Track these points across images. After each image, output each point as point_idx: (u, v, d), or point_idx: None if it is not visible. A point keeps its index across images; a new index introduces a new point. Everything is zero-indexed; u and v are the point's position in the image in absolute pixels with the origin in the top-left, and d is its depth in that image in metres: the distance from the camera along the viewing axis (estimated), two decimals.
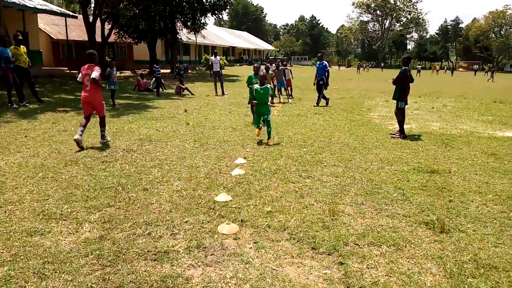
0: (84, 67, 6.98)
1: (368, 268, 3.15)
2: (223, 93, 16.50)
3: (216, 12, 31.45)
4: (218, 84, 16.65)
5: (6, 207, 4.19)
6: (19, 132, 7.84)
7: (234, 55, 62.27)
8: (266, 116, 7.52)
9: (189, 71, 32.52)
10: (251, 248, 3.45)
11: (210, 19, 44.72)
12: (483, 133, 9.11)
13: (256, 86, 7.61)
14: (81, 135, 6.70)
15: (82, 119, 7.02)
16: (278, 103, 14.00)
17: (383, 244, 3.53)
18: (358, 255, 3.33)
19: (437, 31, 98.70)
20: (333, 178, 5.40)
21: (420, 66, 55.38)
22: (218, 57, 16.82)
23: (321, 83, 13.12)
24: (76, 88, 17.15)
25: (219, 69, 16.59)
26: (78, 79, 7.17)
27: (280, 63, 15.25)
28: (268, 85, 7.64)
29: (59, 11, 24.19)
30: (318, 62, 13.53)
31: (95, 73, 6.78)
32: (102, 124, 7.20)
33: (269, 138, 7.45)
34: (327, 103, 13.46)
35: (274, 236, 3.67)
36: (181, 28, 31.33)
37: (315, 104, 13.21)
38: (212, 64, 16.48)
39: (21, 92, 11.34)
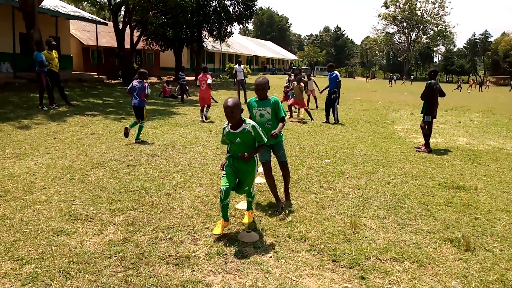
0: (200, 75, 11.36)
1: (390, 284, 3.09)
2: (245, 101, 16.70)
3: (242, 21, 31.81)
4: (241, 92, 16.87)
5: (35, 206, 4.33)
6: (48, 134, 8.10)
7: (258, 64, 62.66)
8: (247, 185, 3.98)
9: (213, 79, 32.88)
10: (271, 257, 3.45)
11: (235, 28, 45.36)
12: None
13: (226, 126, 3.88)
14: (202, 118, 11.03)
15: (200, 109, 11.25)
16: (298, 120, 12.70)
17: (406, 260, 3.47)
18: (380, 270, 3.28)
19: (465, 45, 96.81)
20: (355, 191, 5.35)
21: (462, 81, 49.47)
22: (242, 66, 17.09)
23: (333, 96, 11.82)
24: (104, 93, 17.61)
25: (243, 78, 16.83)
26: (197, 84, 12.13)
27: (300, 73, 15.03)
28: (250, 124, 3.78)
29: (90, 18, 24.97)
30: (329, 73, 12.17)
31: (210, 80, 11.14)
32: (208, 108, 11.27)
33: (248, 208, 4.24)
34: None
35: (294, 246, 3.66)
36: (207, 37, 31.81)
37: (335, 121, 11.92)
38: (236, 72, 16.73)
39: (52, 95, 11.73)
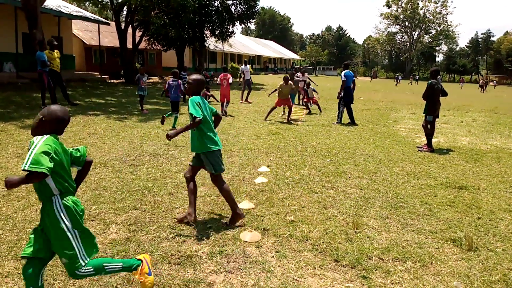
0: (221, 75, 12.78)
1: (392, 284, 3.09)
2: (246, 99, 17.16)
3: (243, 21, 31.86)
4: (245, 92, 17.29)
5: (37, 205, 4.34)
6: None
7: (260, 64, 62.64)
8: (58, 252, 2.45)
9: (215, 78, 32.91)
10: (273, 257, 3.46)
11: (237, 28, 45.33)
12: None
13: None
14: (222, 112, 11.99)
15: (221, 104, 12.57)
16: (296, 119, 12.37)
17: (408, 259, 3.46)
18: (382, 270, 3.28)
19: (467, 44, 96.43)
20: (357, 190, 5.35)
21: (483, 81, 46.29)
22: (248, 66, 17.75)
23: (337, 97, 11.56)
24: (107, 93, 17.63)
25: (249, 77, 17.42)
26: (217, 81, 13.07)
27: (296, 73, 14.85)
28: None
29: (92, 18, 25.02)
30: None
31: (231, 79, 12.72)
32: (227, 103, 12.54)
33: None
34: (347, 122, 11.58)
35: (296, 246, 3.66)
36: (208, 36, 31.85)
37: (336, 122, 11.57)
38: (243, 72, 17.28)
39: (54, 95, 11.76)
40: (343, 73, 11.47)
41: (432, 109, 8.22)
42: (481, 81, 49.55)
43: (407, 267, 3.35)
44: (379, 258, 3.47)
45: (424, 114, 8.38)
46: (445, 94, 8.43)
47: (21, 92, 14.41)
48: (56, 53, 11.84)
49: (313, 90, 15.20)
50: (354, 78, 11.62)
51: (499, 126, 12.92)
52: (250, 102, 16.88)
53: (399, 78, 52.50)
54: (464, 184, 5.81)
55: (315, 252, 3.54)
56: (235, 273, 3.17)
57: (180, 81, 9.80)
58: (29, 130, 8.34)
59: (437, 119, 8.54)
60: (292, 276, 3.14)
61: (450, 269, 3.34)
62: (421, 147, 8.35)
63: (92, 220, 4.02)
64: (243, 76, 17.40)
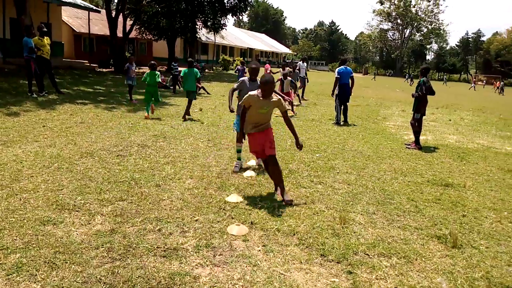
0: (266, 65, 17.82)
1: (377, 279, 3.11)
2: (302, 97, 16.51)
3: (236, 13, 31.64)
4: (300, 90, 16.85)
5: (21, 195, 4.26)
6: (37, 122, 7.97)
7: (251, 57, 62.41)
8: None
9: (206, 70, 32.69)
10: (259, 251, 3.45)
11: (230, 20, 44.93)
12: (501, 149, 8.94)
13: None
14: None
15: None
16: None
17: (393, 255, 3.49)
18: (368, 265, 3.29)
19: (457, 43, 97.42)
20: (345, 186, 5.37)
21: (500, 83, 43.14)
22: (305, 64, 17.73)
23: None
24: (95, 81, 17.39)
25: (305, 75, 17.11)
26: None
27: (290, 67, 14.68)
28: None
29: (82, 5, 24.58)
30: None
31: (269, 69, 15.70)
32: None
33: None
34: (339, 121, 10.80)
35: (283, 240, 3.66)
36: (200, 28, 31.57)
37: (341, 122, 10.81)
38: (300, 69, 16.64)
39: (41, 83, 11.54)
40: (336, 69, 10.89)
41: (421, 107, 8.27)
42: (499, 82, 44.82)
43: (392, 263, 3.37)
44: (365, 254, 3.49)
45: (413, 112, 8.44)
46: (432, 92, 8.45)
47: (7, 78, 14.13)
48: (46, 40, 11.60)
49: (291, 81, 13.01)
50: (352, 75, 10.82)
51: (486, 125, 13.10)
52: (305, 99, 16.55)
53: (412, 76, 48.04)
54: (450, 181, 5.87)
55: (302, 247, 3.55)
56: (221, 266, 3.16)
57: (244, 66, 15.11)
58: (14, 117, 8.20)
59: (424, 117, 8.60)
60: (278, 270, 3.14)
61: (434, 265, 3.38)
62: (409, 144, 8.41)
63: (77, 211, 3.97)
64: (299, 73, 16.35)
